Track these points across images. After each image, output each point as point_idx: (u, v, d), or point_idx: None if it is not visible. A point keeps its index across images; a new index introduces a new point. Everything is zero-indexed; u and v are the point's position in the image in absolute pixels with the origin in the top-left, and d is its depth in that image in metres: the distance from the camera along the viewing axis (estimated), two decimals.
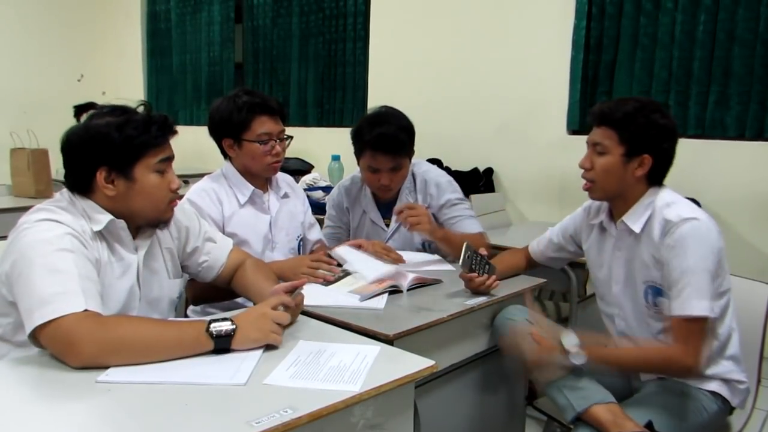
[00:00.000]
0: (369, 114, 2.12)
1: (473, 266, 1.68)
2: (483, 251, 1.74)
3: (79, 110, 1.36)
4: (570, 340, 1.46)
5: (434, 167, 2.28)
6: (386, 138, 2.00)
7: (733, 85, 3.00)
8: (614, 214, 1.66)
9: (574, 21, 3.40)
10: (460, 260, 1.66)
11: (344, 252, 1.90)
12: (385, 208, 2.22)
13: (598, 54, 3.40)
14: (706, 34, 3.03)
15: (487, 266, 1.72)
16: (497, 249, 2.49)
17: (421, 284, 1.77)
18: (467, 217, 2.17)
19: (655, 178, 1.58)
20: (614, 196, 1.61)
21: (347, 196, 2.29)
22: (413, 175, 2.20)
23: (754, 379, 1.67)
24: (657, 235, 1.51)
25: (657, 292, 1.54)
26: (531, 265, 1.98)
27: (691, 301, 1.42)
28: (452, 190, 2.19)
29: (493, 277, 1.71)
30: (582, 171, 1.63)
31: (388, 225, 2.22)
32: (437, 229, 2.01)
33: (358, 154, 2.10)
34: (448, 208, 2.17)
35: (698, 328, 1.43)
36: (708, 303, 1.41)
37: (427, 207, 2.15)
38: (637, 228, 1.56)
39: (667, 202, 1.53)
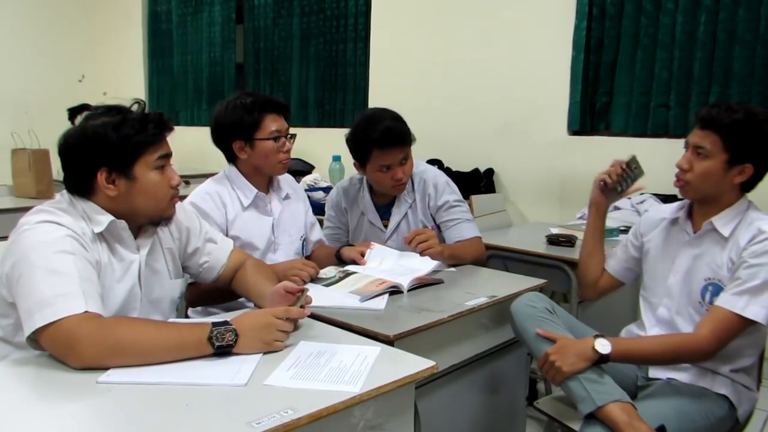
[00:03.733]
0: (360, 119, 2.11)
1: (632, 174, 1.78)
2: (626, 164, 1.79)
3: (73, 112, 1.36)
4: (601, 343, 1.48)
5: (432, 167, 2.28)
6: (392, 131, 2.01)
7: (733, 86, 2.99)
8: (695, 214, 1.67)
9: (575, 21, 3.39)
10: (635, 169, 1.77)
11: (379, 250, 1.96)
12: (383, 208, 2.22)
13: (598, 55, 3.40)
14: (706, 34, 3.03)
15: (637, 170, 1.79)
16: (497, 250, 2.50)
17: (421, 284, 1.77)
18: (464, 221, 2.16)
19: (749, 185, 1.59)
20: (706, 199, 1.62)
21: (345, 197, 2.29)
22: (411, 175, 2.19)
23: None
24: (744, 240, 1.53)
25: (718, 292, 1.56)
26: (601, 292, 1.91)
27: (754, 306, 1.46)
28: (450, 191, 2.19)
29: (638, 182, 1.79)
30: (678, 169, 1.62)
31: (386, 226, 2.22)
32: (446, 248, 2.02)
33: (365, 157, 2.06)
34: (445, 210, 2.16)
35: (739, 327, 1.48)
36: (766, 312, 1.47)
37: (427, 207, 2.17)
38: (726, 232, 1.57)
39: (761, 216, 1.57)
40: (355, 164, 2.13)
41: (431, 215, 2.19)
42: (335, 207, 2.31)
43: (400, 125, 2.04)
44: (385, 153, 2.02)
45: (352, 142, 2.08)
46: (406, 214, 2.19)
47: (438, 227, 2.18)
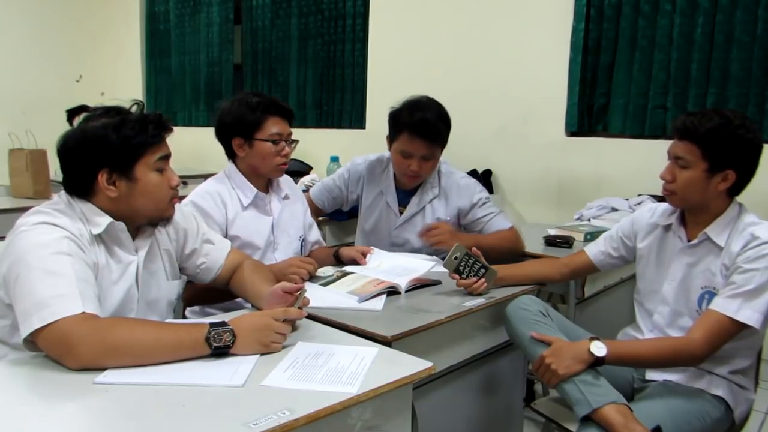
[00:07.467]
0: (411, 99, 2.16)
1: (460, 267, 1.71)
2: (476, 251, 1.75)
3: (71, 113, 1.36)
4: (597, 345, 1.48)
5: (460, 172, 2.33)
6: (426, 123, 2.04)
7: (731, 88, 3.00)
8: (688, 221, 1.67)
9: (573, 23, 3.40)
10: (445, 261, 1.71)
11: (378, 255, 1.97)
12: (404, 194, 2.23)
13: (596, 56, 3.40)
14: (704, 36, 3.03)
15: (481, 269, 1.73)
16: None
17: (419, 285, 1.77)
18: (497, 214, 2.24)
19: (736, 190, 1.59)
20: (695, 207, 1.63)
21: (369, 171, 2.30)
22: (438, 172, 2.23)
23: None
24: (737, 246, 1.54)
25: (714, 299, 1.56)
26: (576, 274, 1.96)
27: (746, 310, 1.47)
28: (480, 189, 2.26)
29: (481, 280, 1.72)
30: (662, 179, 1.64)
31: (401, 213, 2.22)
32: (462, 237, 2.03)
33: (393, 135, 2.13)
34: (479, 207, 2.23)
35: (732, 330, 1.48)
36: (761, 317, 1.47)
37: (455, 214, 2.24)
38: (721, 241, 1.57)
39: (753, 221, 1.57)
40: (387, 137, 2.16)
41: (465, 214, 2.23)
42: (354, 173, 2.33)
43: (438, 122, 2.07)
44: (412, 141, 2.06)
45: (390, 116, 2.14)
46: (423, 207, 2.21)
47: (472, 224, 2.23)
